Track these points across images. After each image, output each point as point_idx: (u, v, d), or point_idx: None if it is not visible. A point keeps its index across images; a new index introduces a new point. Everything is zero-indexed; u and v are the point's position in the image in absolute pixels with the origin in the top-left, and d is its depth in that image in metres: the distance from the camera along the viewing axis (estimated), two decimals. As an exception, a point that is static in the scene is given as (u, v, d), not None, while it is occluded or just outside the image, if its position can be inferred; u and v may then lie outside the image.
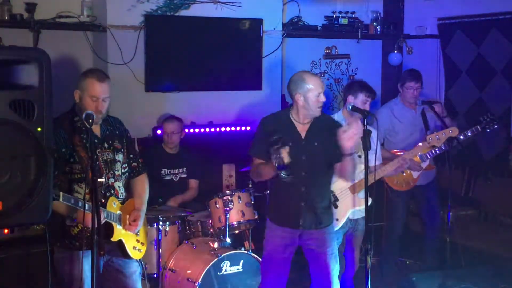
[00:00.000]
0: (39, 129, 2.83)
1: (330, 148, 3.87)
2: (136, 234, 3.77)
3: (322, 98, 3.88)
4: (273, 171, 3.75)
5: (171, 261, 4.68)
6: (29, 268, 4.11)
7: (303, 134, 3.97)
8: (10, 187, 2.79)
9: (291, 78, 3.99)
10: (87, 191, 3.51)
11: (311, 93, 3.85)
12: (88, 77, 3.55)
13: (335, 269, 4.11)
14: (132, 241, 3.73)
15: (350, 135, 3.73)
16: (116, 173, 3.68)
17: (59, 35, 5.51)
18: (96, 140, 3.59)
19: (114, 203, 3.63)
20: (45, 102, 2.84)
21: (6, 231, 4.10)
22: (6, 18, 5.18)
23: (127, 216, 3.71)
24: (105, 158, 3.62)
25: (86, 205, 3.37)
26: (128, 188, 3.83)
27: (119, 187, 3.70)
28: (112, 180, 3.66)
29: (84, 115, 3.35)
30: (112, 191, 3.65)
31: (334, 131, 3.85)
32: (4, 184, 2.77)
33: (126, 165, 3.78)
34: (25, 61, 2.85)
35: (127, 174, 3.79)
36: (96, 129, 3.62)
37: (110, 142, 3.67)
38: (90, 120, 3.28)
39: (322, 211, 4.02)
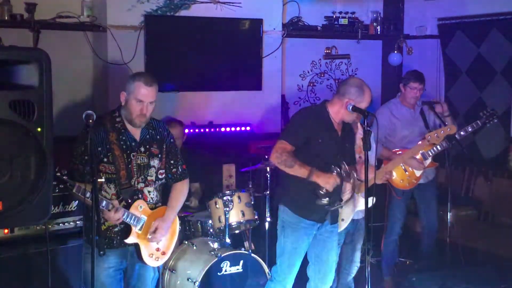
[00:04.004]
0: (39, 129, 2.84)
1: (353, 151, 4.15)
2: (158, 242, 3.75)
3: None
4: (306, 178, 3.86)
5: (171, 261, 4.68)
6: (29, 268, 4.10)
7: (339, 133, 4.10)
8: (10, 187, 2.79)
9: (351, 81, 4.10)
10: (114, 192, 3.57)
11: (361, 106, 3.96)
12: (136, 80, 3.58)
13: (336, 259, 4.27)
14: (151, 248, 3.71)
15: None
16: (148, 178, 3.67)
17: (59, 35, 5.51)
18: (133, 143, 3.61)
19: (141, 206, 3.64)
20: (45, 102, 2.84)
21: (6, 231, 4.09)
22: (6, 18, 5.18)
23: (152, 223, 3.70)
24: (138, 162, 3.62)
25: (110, 204, 3.45)
26: (167, 192, 3.84)
27: (149, 192, 3.69)
28: (142, 184, 3.65)
29: (84, 115, 3.34)
30: (140, 196, 3.65)
31: (353, 136, 4.24)
32: (4, 184, 2.77)
33: (164, 171, 3.77)
34: (25, 61, 2.85)
35: (163, 180, 3.78)
36: (136, 132, 3.64)
37: (148, 146, 3.67)
38: (90, 120, 3.27)
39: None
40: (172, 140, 3.82)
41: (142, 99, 3.54)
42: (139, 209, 3.63)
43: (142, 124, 3.62)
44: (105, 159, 3.54)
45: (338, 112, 4.02)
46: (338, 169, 3.91)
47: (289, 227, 4.10)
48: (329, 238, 4.18)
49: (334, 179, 3.85)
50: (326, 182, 3.83)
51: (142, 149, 3.65)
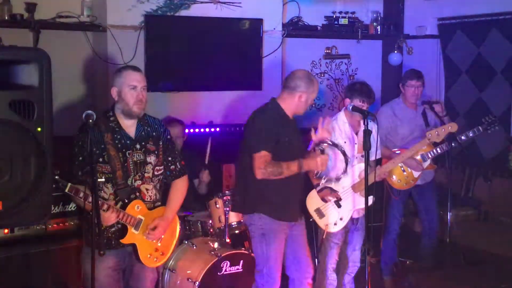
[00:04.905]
0: (39, 129, 2.84)
1: None
2: (157, 242, 3.75)
3: (312, 103, 4.13)
4: (297, 170, 3.91)
5: (171, 261, 4.68)
6: (29, 268, 4.11)
7: (295, 126, 4.15)
8: (10, 187, 2.80)
9: (298, 74, 4.10)
10: (112, 191, 3.56)
11: (312, 96, 4.05)
12: (123, 70, 3.66)
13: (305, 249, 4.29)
14: (149, 248, 3.71)
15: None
16: (146, 175, 3.67)
17: (59, 35, 5.51)
18: (128, 141, 3.62)
19: (138, 207, 3.63)
20: (45, 102, 2.85)
21: (6, 231, 4.10)
22: (6, 18, 5.18)
23: (153, 221, 3.70)
24: (135, 159, 3.62)
25: (105, 204, 3.44)
26: (167, 192, 3.85)
27: (147, 189, 3.68)
28: (139, 182, 3.64)
29: (84, 115, 3.35)
30: (138, 194, 3.64)
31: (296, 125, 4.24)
32: (4, 184, 2.77)
33: (161, 167, 3.76)
34: (25, 61, 2.86)
35: (161, 176, 3.77)
36: (131, 129, 3.65)
37: (143, 143, 3.67)
38: (90, 120, 3.27)
39: None
40: (168, 136, 3.82)
41: (136, 84, 3.57)
42: (136, 209, 3.63)
43: (142, 112, 3.63)
44: (100, 159, 3.54)
45: (290, 106, 4.07)
46: (319, 148, 4.05)
47: (269, 233, 4.08)
48: (301, 235, 4.24)
49: (320, 157, 3.95)
50: (316, 165, 3.96)
51: (138, 146, 3.65)
